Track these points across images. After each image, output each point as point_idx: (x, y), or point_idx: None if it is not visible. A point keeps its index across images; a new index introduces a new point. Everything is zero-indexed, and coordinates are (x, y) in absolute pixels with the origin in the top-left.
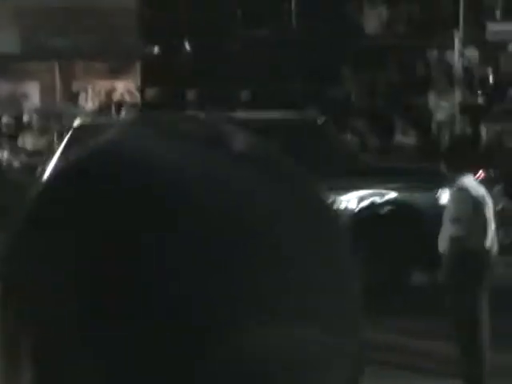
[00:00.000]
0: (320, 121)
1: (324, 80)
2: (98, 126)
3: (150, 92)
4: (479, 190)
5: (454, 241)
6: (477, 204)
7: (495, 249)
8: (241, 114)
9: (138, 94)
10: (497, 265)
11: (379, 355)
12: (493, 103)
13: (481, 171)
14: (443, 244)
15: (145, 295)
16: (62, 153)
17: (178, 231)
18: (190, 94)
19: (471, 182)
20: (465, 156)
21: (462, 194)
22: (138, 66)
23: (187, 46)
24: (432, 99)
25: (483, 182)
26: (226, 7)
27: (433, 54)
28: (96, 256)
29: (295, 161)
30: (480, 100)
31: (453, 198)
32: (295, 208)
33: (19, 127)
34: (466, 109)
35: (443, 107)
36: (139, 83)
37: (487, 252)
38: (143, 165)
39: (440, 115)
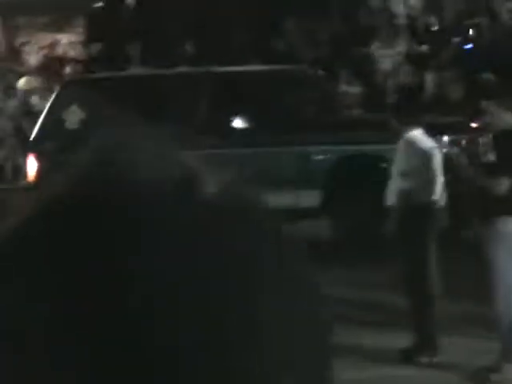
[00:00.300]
0: (312, 72)
1: (267, 32)
2: (85, 83)
3: (95, 46)
4: (427, 143)
5: (402, 194)
6: (424, 157)
7: (443, 201)
8: (226, 69)
9: (81, 48)
10: (445, 216)
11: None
12: (437, 51)
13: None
14: (391, 197)
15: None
16: (50, 111)
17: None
18: (134, 49)
19: (419, 134)
20: (410, 106)
21: (410, 147)
22: (82, 20)
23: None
24: (376, 48)
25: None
26: None
27: (376, 2)
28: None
29: (289, 110)
30: (424, 48)
31: (400, 151)
32: (268, 257)
33: None
34: (411, 58)
35: (388, 56)
36: (83, 37)
37: (435, 204)
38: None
39: (384, 65)
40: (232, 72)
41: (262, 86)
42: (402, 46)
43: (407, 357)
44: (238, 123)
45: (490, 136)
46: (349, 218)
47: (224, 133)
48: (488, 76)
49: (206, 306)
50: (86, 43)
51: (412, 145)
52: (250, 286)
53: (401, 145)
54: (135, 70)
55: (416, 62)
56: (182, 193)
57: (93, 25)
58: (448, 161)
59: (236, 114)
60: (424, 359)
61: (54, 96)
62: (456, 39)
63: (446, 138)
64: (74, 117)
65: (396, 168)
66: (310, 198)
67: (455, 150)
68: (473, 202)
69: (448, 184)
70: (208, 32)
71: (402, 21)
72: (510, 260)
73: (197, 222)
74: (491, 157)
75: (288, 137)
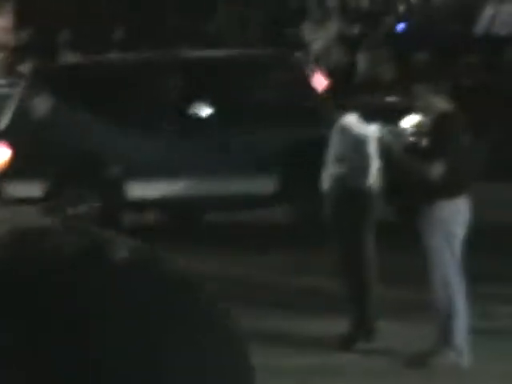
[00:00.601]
0: (292, 56)
1: (199, 15)
2: (54, 70)
3: (25, 32)
4: (361, 127)
5: (337, 179)
6: (358, 142)
7: (378, 186)
8: (213, 52)
9: (11, 34)
10: (380, 201)
11: (260, 293)
12: (368, 32)
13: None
14: (326, 182)
15: None
16: (20, 98)
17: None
18: (64, 34)
19: (353, 118)
20: (342, 88)
21: (343, 133)
22: (12, 4)
23: None
24: (307, 30)
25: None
26: None
27: None
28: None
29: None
30: (356, 29)
31: (335, 136)
32: (184, 329)
33: None
34: (342, 39)
35: (319, 38)
36: (13, 22)
37: (369, 190)
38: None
39: (316, 46)
40: (209, 57)
41: (240, 71)
42: (333, 27)
43: (345, 343)
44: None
45: (422, 120)
46: (298, 203)
47: (186, 123)
48: (421, 57)
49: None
50: (16, 28)
51: (346, 130)
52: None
53: (335, 130)
54: (105, 57)
55: (348, 43)
56: (90, 259)
57: (23, 9)
58: (382, 145)
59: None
60: (361, 345)
61: (23, 84)
62: (388, 19)
63: (379, 122)
64: (43, 105)
65: (330, 153)
66: (261, 185)
67: (389, 134)
68: (408, 188)
69: (384, 169)
70: (140, 16)
71: (333, 2)
72: (446, 246)
73: (104, 286)
74: (424, 141)
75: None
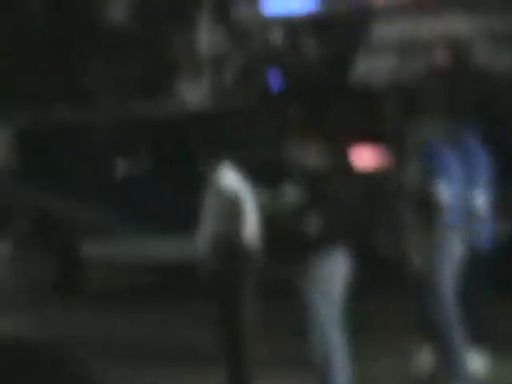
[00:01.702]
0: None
1: (72, 71)
2: None
3: None
4: (237, 185)
5: (214, 237)
6: (233, 199)
7: (258, 245)
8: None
9: None
10: (261, 260)
11: (139, 351)
12: (244, 85)
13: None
14: (203, 241)
15: None
16: None
17: None
18: None
19: (229, 175)
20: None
21: (219, 190)
22: None
23: None
24: (181, 85)
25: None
26: None
27: (181, 38)
28: None
29: None
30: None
31: (210, 194)
32: None
33: None
34: (216, 93)
35: (194, 94)
36: None
37: (247, 247)
38: None
39: (192, 98)
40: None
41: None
42: (206, 83)
43: None
44: None
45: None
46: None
47: None
48: (294, 111)
49: None
50: None
51: (220, 187)
52: None
53: (209, 186)
54: None
55: (222, 98)
56: None
57: None
58: (258, 202)
59: None
60: None
61: None
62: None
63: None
64: None
65: (207, 212)
66: None
67: (264, 190)
68: (286, 244)
69: (264, 225)
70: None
71: (206, 57)
72: (323, 301)
73: None
74: (298, 197)
75: None
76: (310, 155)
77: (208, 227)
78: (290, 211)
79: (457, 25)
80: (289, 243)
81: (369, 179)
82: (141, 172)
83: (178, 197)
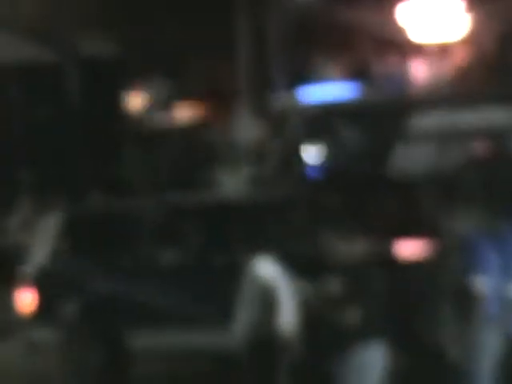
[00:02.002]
0: None
1: (106, 158)
2: None
3: None
4: (273, 274)
5: (249, 326)
6: (268, 288)
7: (295, 334)
8: None
9: None
10: (298, 349)
11: None
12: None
13: None
14: (239, 329)
15: None
16: None
17: None
18: None
19: (263, 263)
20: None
21: (252, 278)
22: None
23: None
24: (219, 174)
25: None
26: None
27: (217, 130)
28: None
29: None
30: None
31: (246, 284)
32: None
33: None
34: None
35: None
36: None
37: (282, 337)
38: None
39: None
40: None
41: None
42: (245, 173)
43: None
44: None
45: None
46: None
47: None
48: (333, 202)
49: None
50: None
51: (253, 275)
52: None
53: (246, 275)
54: None
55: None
56: None
57: None
58: (299, 293)
59: None
60: None
61: None
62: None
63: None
64: None
65: (242, 300)
66: None
67: (306, 282)
68: (327, 335)
69: (305, 316)
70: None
71: (245, 148)
72: None
73: None
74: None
75: None
76: (354, 247)
77: (243, 316)
78: (332, 303)
79: (495, 116)
80: (329, 334)
81: (410, 271)
82: (183, 260)
83: (217, 285)
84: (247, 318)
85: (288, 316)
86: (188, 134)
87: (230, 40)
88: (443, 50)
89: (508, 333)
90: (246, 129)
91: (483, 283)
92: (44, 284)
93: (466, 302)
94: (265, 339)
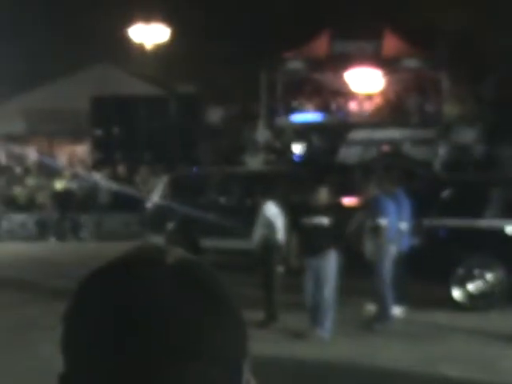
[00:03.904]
0: None
1: (189, 147)
2: None
3: (96, 154)
4: (275, 210)
5: (260, 237)
6: (271, 217)
7: (283, 243)
8: None
9: (89, 156)
10: (283, 251)
11: None
12: (279, 161)
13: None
14: (255, 238)
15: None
16: None
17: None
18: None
19: (270, 205)
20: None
21: (264, 213)
22: (89, 140)
23: (116, 131)
24: (247, 157)
25: None
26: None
27: (247, 133)
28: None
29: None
30: (272, 157)
31: (261, 214)
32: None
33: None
34: (268, 162)
35: (253, 163)
36: (89, 149)
37: (278, 243)
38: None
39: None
40: None
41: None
42: (261, 157)
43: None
44: None
45: None
46: None
47: None
48: (309, 174)
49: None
50: (91, 152)
51: (265, 210)
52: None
53: (261, 210)
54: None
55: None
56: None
57: (95, 143)
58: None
59: None
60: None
61: None
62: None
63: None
64: None
65: (258, 223)
66: None
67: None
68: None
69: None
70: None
71: (261, 143)
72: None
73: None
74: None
75: None
76: (320, 196)
77: (258, 231)
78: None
79: (393, 133)
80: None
81: (350, 213)
82: (232, 202)
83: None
84: (260, 232)
85: (280, 233)
86: (233, 134)
87: (257, 87)
88: (368, 97)
89: (398, 247)
90: (263, 134)
91: (386, 221)
92: (158, 212)
93: (377, 231)
94: (268, 244)
